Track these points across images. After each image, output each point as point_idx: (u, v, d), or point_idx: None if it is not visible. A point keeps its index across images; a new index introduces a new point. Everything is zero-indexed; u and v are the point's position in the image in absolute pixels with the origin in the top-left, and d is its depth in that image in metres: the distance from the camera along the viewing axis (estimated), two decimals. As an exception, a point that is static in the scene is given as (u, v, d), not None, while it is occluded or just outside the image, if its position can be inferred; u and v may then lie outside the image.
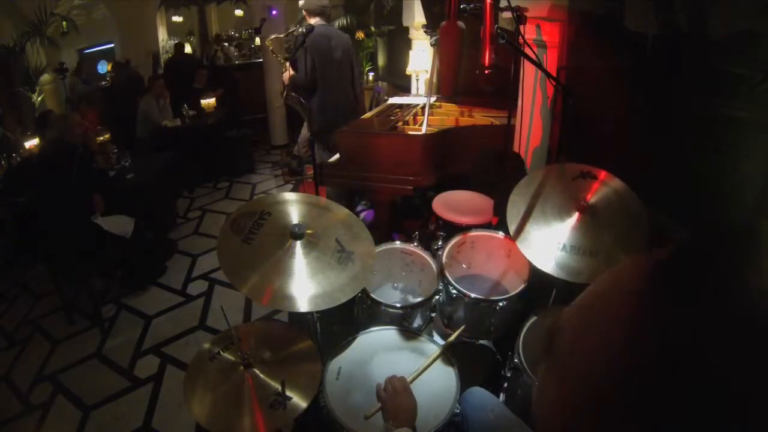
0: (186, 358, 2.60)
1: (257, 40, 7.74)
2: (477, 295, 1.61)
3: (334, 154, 2.96)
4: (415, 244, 1.89)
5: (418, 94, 4.03)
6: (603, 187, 1.56)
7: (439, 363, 1.46)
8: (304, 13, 3.46)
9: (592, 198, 1.53)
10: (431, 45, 2.71)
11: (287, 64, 3.46)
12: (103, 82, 6.55)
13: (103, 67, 6.70)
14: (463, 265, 1.87)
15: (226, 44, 8.23)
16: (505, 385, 1.54)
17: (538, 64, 1.79)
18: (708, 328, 0.34)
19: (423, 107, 3.13)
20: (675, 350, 0.35)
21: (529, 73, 2.25)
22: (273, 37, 3.87)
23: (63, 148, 2.88)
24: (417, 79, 4.27)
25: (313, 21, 3.37)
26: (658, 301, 0.38)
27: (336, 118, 3.33)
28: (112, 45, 6.84)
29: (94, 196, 3.01)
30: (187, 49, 7.44)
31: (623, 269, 0.43)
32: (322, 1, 3.39)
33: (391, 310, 1.64)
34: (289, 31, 3.92)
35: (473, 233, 1.89)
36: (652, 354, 0.35)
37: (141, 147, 4.62)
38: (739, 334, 0.34)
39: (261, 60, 6.21)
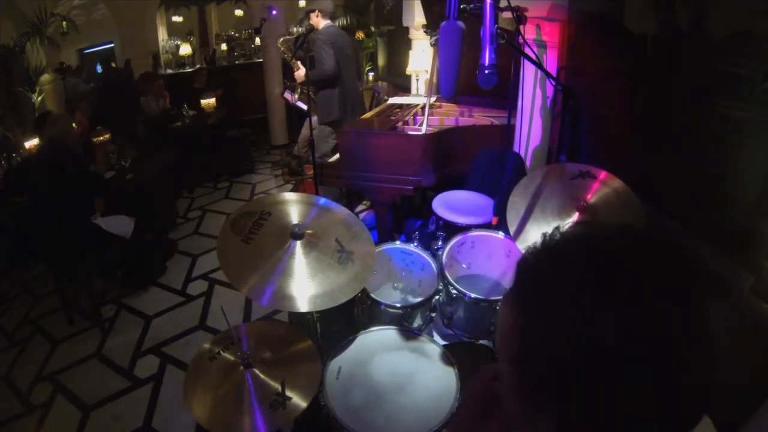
0: (186, 358, 2.60)
1: (257, 40, 7.74)
2: (477, 295, 1.61)
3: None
4: (415, 244, 1.89)
5: (418, 94, 4.03)
6: (603, 187, 1.56)
7: (439, 363, 1.46)
8: (316, 13, 3.68)
9: (592, 198, 1.53)
10: (431, 45, 2.72)
11: (298, 62, 3.84)
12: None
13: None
14: (463, 265, 1.87)
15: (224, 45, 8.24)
16: (505, 385, 1.54)
17: (538, 64, 1.79)
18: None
19: (423, 107, 3.13)
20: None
21: (529, 73, 2.25)
22: (283, 39, 4.11)
23: (60, 149, 2.88)
24: (417, 79, 4.27)
25: (326, 22, 3.66)
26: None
27: (353, 109, 3.77)
28: (112, 45, 6.84)
29: (97, 200, 3.03)
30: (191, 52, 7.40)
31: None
32: (330, 6, 3.73)
33: (391, 310, 1.64)
34: (299, 32, 4.13)
35: (473, 233, 1.89)
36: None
37: (141, 147, 4.62)
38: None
39: (261, 60, 6.21)
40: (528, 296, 0.44)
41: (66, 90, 5.75)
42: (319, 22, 3.64)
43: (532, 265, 0.45)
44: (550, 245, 0.45)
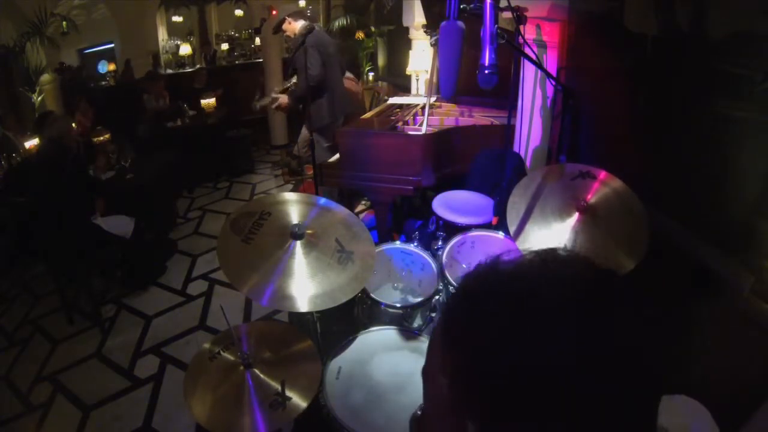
0: (186, 358, 2.60)
1: (257, 40, 7.75)
2: (477, 295, 1.60)
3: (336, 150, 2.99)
4: (415, 244, 1.89)
5: (418, 94, 4.03)
6: (603, 187, 1.56)
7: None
8: (288, 21, 3.56)
9: (592, 198, 1.53)
10: (431, 45, 2.72)
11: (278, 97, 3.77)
12: (104, 82, 6.56)
13: (104, 67, 6.71)
14: (463, 265, 1.87)
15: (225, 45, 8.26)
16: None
17: (538, 64, 1.79)
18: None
19: (423, 107, 3.13)
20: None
21: (529, 73, 2.25)
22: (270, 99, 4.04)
23: (60, 149, 2.88)
24: (417, 79, 4.28)
25: (300, 23, 3.51)
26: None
27: (342, 110, 3.63)
28: (112, 45, 6.84)
29: (97, 200, 3.03)
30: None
31: None
32: (294, 7, 3.66)
33: (391, 310, 1.64)
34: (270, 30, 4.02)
35: (473, 233, 1.89)
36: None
37: (141, 147, 4.63)
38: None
39: (261, 60, 6.21)
40: (451, 332, 0.45)
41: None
42: (294, 27, 3.52)
43: (452, 305, 0.47)
44: (466, 285, 0.46)
